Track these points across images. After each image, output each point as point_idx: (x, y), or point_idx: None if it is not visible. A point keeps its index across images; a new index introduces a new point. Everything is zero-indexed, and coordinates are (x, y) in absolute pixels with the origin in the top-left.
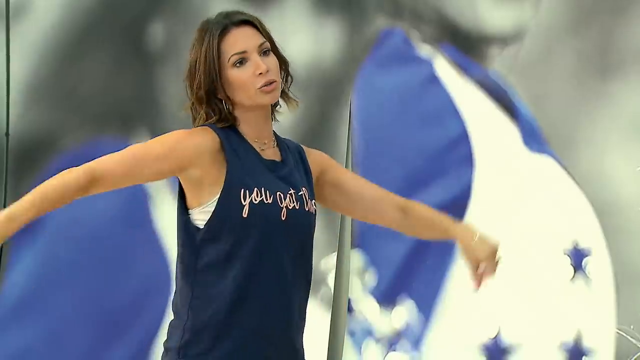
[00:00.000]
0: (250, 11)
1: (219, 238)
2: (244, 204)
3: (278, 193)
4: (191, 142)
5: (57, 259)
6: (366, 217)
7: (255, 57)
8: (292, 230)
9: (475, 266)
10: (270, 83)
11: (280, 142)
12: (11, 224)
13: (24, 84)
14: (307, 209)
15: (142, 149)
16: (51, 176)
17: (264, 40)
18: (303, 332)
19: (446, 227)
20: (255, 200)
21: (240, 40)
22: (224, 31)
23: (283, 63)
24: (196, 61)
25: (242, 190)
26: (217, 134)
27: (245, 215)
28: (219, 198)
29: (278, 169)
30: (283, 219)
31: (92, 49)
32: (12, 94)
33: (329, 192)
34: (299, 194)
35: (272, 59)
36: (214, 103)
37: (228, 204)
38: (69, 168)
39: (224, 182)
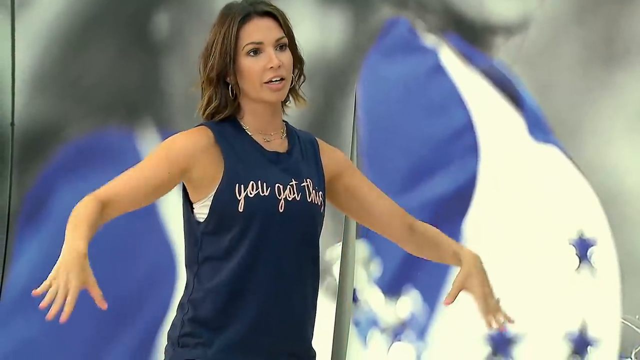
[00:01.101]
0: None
1: (218, 232)
2: (239, 198)
3: (277, 185)
4: (182, 145)
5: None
6: (374, 227)
7: (270, 50)
8: (291, 222)
9: (459, 288)
10: (280, 80)
11: (290, 132)
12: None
13: (28, 73)
14: (309, 200)
15: (138, 167)
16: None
17: (283, 35)
18: (312, 322)
19: (454, 250)
20: (251, 193)
21: (260, 30)
22: (245, 18)
23: (298, 62)
24: (214, 42)
25: (237, 184)
26: (211, 130)
27: (241, 210)
28: (215, 193)
29: (281, 160)
30: (281, 211)
31: (97, 39)
32: (17, 83)
33: (344, 196)
34: (302, 184)
35: (286, 55)
36: (220, 87)
37: (224, 199)
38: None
39: (221, 177)
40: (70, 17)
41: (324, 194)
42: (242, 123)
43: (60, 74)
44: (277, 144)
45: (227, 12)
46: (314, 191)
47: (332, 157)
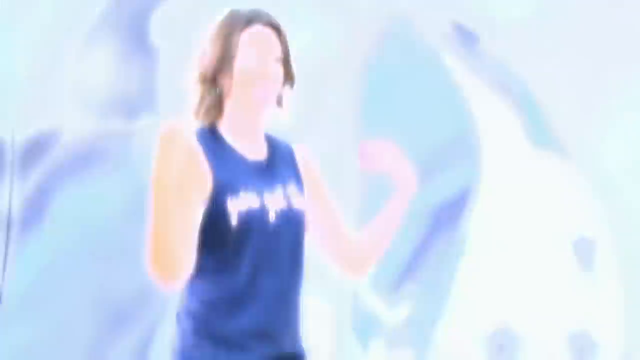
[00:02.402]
0: (255, 4)
1: (210, 245)
2: (231, 211)
3: (265, 194)
4: (176, 178)
5: (63, 252)
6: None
7: (265, 61)
8: (281, 231)
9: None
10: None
11: (268, 139)
12: None
13: (28, 76)
14: (295, 207)
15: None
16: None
17: (280, 50)
18: (299, 323)
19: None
20: (242, 205)
21: (260, 40)
22: (249, 24)
23: (289, 77)
24: (213, 41)
25: (229, 197)
26: (197, 140)
27: (234, 223)
28: (206, 208)
29: (264, 167)
30: (271, 220)
31: (97, 42)
32: (16, 87)
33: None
34: (287, 191)
35: (279, 70)
36: (213, 86)
37: (215, 213)
38: None
39: (210, 190)
40: (70, 19)
41: (304, 199)
42: (222, 131)
43: (60, 74)
44: (257, 150)
45: (231, 16)
46: (297, 197)
47: (304, 165)
